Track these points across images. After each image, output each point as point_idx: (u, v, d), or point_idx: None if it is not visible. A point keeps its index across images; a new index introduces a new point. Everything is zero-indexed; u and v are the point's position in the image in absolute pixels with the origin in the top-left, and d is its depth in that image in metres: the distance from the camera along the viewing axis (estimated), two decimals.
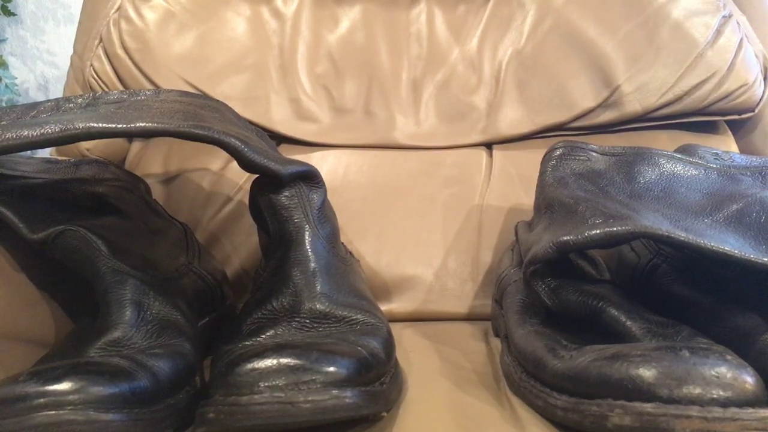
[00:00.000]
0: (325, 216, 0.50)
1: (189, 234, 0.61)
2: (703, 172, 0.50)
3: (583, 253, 0.56)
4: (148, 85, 0.75)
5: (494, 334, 0.59)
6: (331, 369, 0.35)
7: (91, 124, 0.40)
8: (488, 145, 0.77)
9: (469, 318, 0.67)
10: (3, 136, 0.40)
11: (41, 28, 1.33)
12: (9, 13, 1.31)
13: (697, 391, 0.31)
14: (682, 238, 0.38)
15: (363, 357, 0.38)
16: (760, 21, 0.80)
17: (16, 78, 1.33)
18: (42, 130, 0.40)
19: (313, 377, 0.34)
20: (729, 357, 0.33)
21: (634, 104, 0.74)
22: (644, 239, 0.55)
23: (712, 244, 0.38)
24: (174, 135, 0.42)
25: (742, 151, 0.78)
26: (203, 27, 0.77)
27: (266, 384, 0.34)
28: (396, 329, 0.53)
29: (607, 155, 0.53)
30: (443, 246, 0.70)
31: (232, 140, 0.44)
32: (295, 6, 0.79)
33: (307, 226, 0.48)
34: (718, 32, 0.74)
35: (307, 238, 0.47)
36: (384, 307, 0.66)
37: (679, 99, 0.73)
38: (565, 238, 0.42)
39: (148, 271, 0.48)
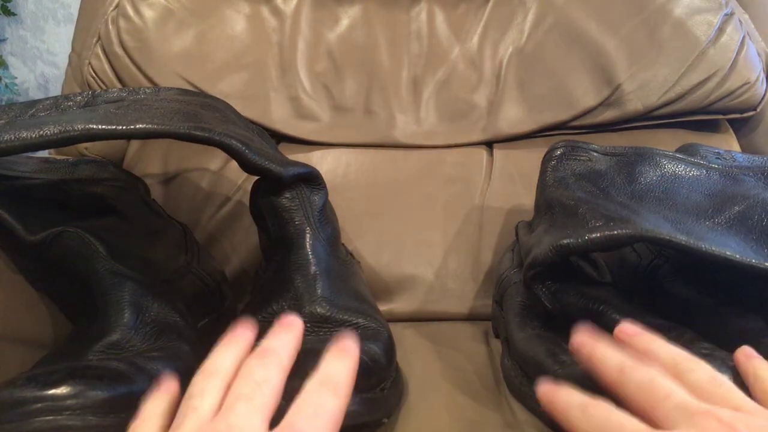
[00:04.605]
0: (326, 218, 0.50)
1: (188, 234, 0.60)
2: (704, 172, 0.50)
3: (583, 254, 0.56)
4: (146, 84, 0.74)
5: (494, 335, 0.59)
6: None
7: (91, 126, 0.40)
8: (489, 144, 0.77)
9: (469, 318, 0.66)
10: (1, 138, 0.39)
11: (41, 27, 1.33)
12: (9, 13, 1.30)
13: None
14: (683, 242, 0.38)
15: (363, 362, 0.37)
16: (762, 19, 0.80)
17: (16, 78, 1.33)
18: (41, 132, 0.39)
19: None
20: (731, 364, 0.33)
21: (635, 103, 0.73)
22: None
23: (713, 248, 0.38)
24: (175, 137, 0.42)
25: (744, 150, 0.78)
26: (202, 25, 0.76)
27: None
28: (396, 329, 0.53)
29: (608, 155, 0.52)
30: (443, 246, 0.69)
31: (234, 142, 0.44)
32: (295, 4, 0.79)
33: (308, 228, 0.48)
34: (720, 30, 0.73)
35: (308, 241, 0.47)
36: (384, 307, 0.65)
37: (680, 97, 0.73)
38: (565, 241, 0.42)
39: (147, 273, 0.47)
